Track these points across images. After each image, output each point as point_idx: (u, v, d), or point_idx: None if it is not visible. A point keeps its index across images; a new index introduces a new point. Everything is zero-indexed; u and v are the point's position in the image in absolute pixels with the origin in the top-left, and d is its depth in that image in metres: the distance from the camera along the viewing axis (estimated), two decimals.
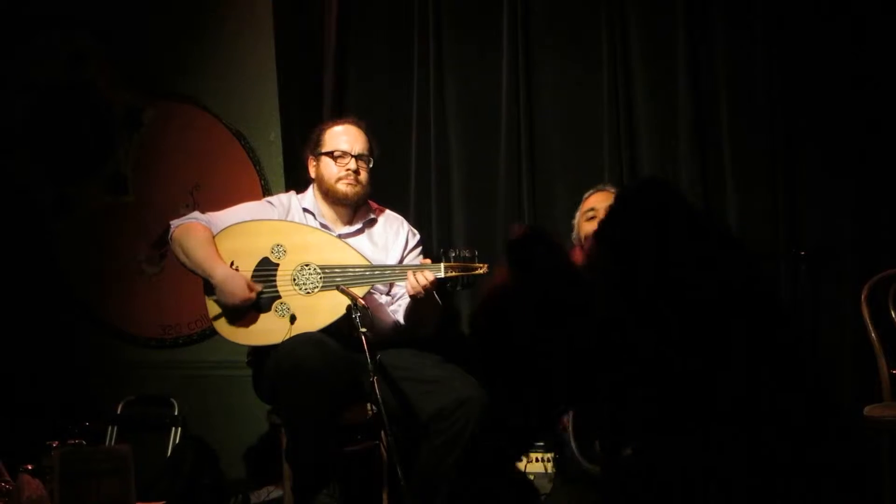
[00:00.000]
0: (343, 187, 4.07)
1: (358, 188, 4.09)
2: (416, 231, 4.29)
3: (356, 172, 4.07)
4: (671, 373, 2.36)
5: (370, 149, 4.13)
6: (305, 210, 4.14)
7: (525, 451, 4.01)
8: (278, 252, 3.94)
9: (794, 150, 4.30)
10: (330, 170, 4.09)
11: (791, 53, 4.33)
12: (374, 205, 4.26)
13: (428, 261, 4.01)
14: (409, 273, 3.84)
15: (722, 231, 2.64)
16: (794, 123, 4.31)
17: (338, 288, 3.81)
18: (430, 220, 4.65)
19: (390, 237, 4.18)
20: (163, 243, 4.70)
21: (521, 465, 4.01)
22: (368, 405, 3.80)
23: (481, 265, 3.84)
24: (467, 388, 3.76)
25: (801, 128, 4.31)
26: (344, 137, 4.11)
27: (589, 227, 4.00)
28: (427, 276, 3.81)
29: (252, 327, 3.93)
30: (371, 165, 4.13)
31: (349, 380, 3.77)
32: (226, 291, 3.87)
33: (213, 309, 3.97)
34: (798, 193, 4.29)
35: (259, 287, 3.90)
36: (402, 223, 4.27)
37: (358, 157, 4.08)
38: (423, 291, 3.83)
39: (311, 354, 3.69)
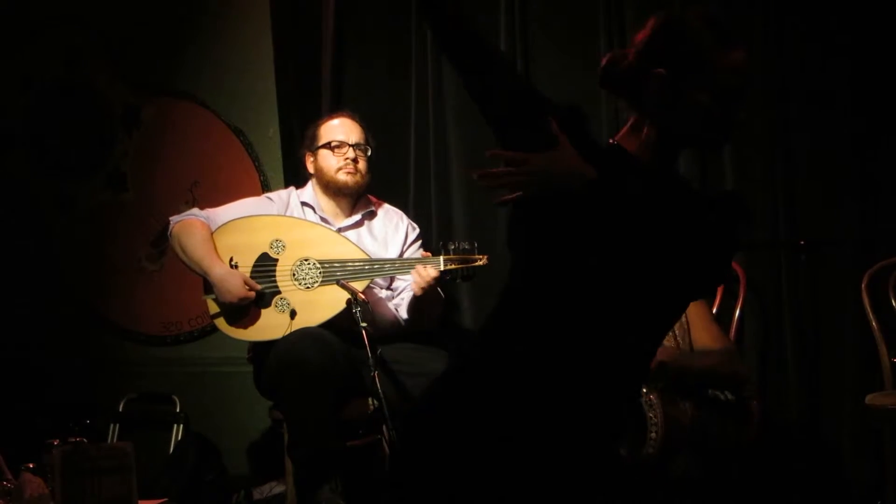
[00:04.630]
0: (343, 177, 4.08)
1: (357, 177, 4.10)
2: (415, 225, 4.29)
3: (355, 161, 4.09)
4: None
5: (367, 138, 4.15)
6: (304, 204, 4.15)
7: None
8: (277, 247, 3.94)
9: (794, 139, 4.29)
10: (328, 161, 4.10)
11: (788, 45, 4.31)
12: (374, 199, 4.26)
13: (428, 254, 4.02)
14: (414, 273, 3.85)
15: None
16: (792, 114, 4.30)
17: (337, 282, 3.81)
18: (430, 213, 4.64)
19: (390, 231, 4.18)
20: (162, 240, 4.70)
21: None
22: (370, 400, 3.81)
23: (481, 256, 3.85)
24: None
25: (800, 117, 4.30)
26: (340, 129, 4.13)
27: None
28: (431, 272, 3.82)
29: (252, 323, 3.94)
30: (369, 154, 4.14)
31: (350, 374, 3.78)
32: (223, 290, 3.88)
33: (213, 306, 3.98)
34: (798, 182, 4.28)
35: (258, 286, 3.90)
36: (402, 217, 4.27)
37: (355, 146, 4.10)
38: (426, 287, 3.83)
39: (311, 349, 3.70)
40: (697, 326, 3.73)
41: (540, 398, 2.11)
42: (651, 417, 3.26)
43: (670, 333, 3.67)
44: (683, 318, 3.73)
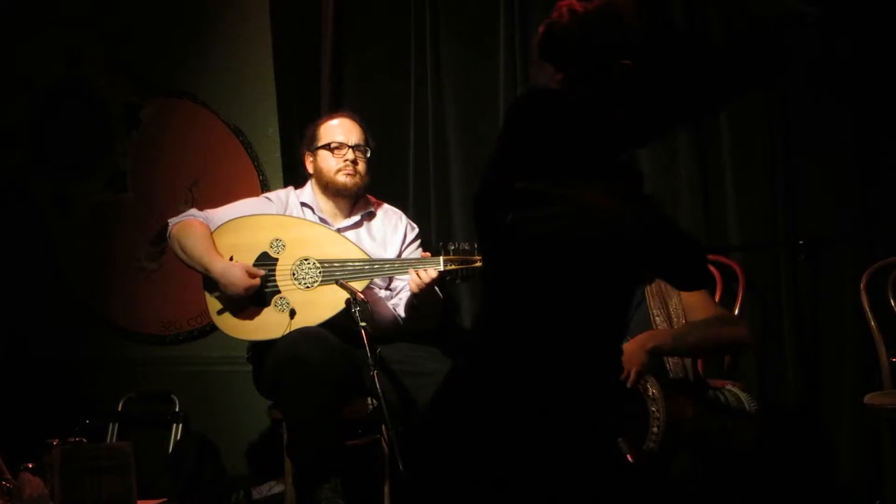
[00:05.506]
0: (342, 178, 4.08)
1: (357, 178, 4.10)
2: (414, 224, 4.29)
3: (354, 163, 4.09)
4: None
5: (366, 140, 4.15)
6: (304, 204, 4.15)
7: None
8: (277, 247, 3.94)
9: (793, 139, 4.29)
10: (328, 162, 4.10)
11: (791, 44, 4.31)
12: (373, 199, 4.26)
13: (427, 254, 4.01)
14: (412, 271, 3.85)
15: None
16: (791, 113, 4.30)
17: (337, 282, 3.81)
18: (429, 213, 4.64)
19: (389, 231, 4.18)
20: (162, 240, 4.70)
21: None
22: (369, 399, 3.81)
23: (480, 257, 3.85)
24: None
25: (800, 117, 4.30)
26: (339, 129, 4.13)
27: None
28: (430, 273, 3.82)
29: (252, 322, 3.94)
30: (368, 156, 4.14)
31: (349, 374, 3.78)
32: (227, 283, 3.88)
33: (213, 305, 3.98)
34: (797, 182, 4.28)
35: (261, 272, 3.90)
36: (401, 217, 4.27)
37: (355, 148, 4.10)
38: (425, 288, 3.83)
39: (310, 349, 3.70)
40: (695, 311, 3.74)
41: (551, 382, 2.18)
42: (654, 412, 3.26)
43: (664, 321, 3.68)
44: (680, 308, 3.74)
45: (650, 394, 3.28)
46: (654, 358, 3.42)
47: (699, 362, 3.89)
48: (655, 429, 3.25)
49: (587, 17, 2.23)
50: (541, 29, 2.30)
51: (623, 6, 2.23)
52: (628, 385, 3.27)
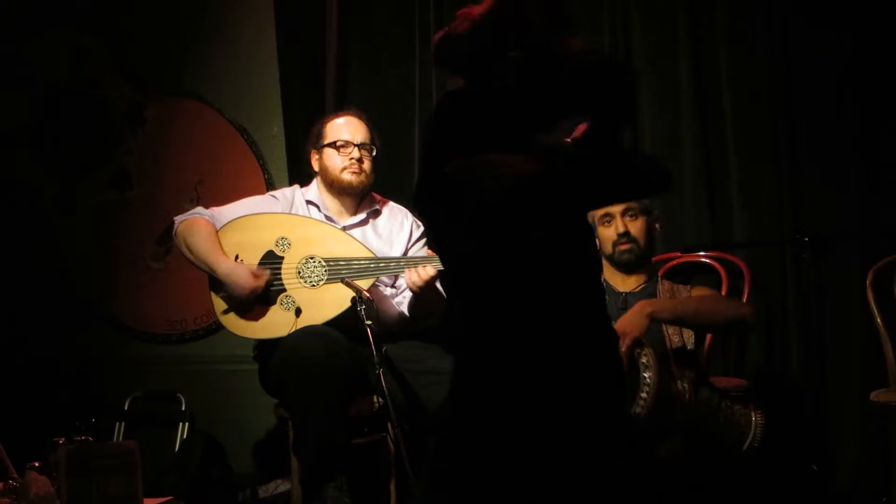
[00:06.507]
0: (348, 176, 4.09)
1: (362, 177, 4.10)
2: (419, 222, 4.29)
3: (360, 161, 4.09)
4: None
5: (372, 138, 4.15)
6: (309, 202, 4.15)
7: None
8: (283, 245, 3.94)
9: (798, 136, 4.29)
10: (333, 160, 4.10)
11: (793, 41, 4.31)
12: (378, 197, 4.26)
13: (433, 252, 4.01)
14: (408, 270, 3.85)
15: None
16: (796, 111, 4.30)
17: (342, 280, 3.81)
18: None
19: (395, 229, 4.18)
20: (167, 239, 4.71)
21: None
22: (375, 398, 3.82)
23: None
24: None
25: (805, 114, 4.30)
26: (346, 128, 4.13)
27: (607, 234, 3.85)
28: (429, 272, 3.82)
29: (258, 321, 3.94)
30: (374, 154, 4.14)
31: (355, 372, 3.78)
32: (232, 284, 3.88)
33: (219, 304, 3.98)
34: (802, 179, 4.28)
35: (267, 273, 3.90)
36: (407, 215, 4.27)
37: (360, 146, 4.10)
38: (423, 286, 3.84)
39: (316, 347, 3.70)
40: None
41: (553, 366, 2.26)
42: (645, 378, 3.26)
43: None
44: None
45: (644, 360, 3.28)
46: (652, 324, 3.43)
47: (704, 354, 3.89)
48: (644, 394, 3.24)
49: (474, 20, 2.34)
50: (434, 39, 2.43)
51: (505, 4, 2.33)
52: (622, 350, 3.27)
